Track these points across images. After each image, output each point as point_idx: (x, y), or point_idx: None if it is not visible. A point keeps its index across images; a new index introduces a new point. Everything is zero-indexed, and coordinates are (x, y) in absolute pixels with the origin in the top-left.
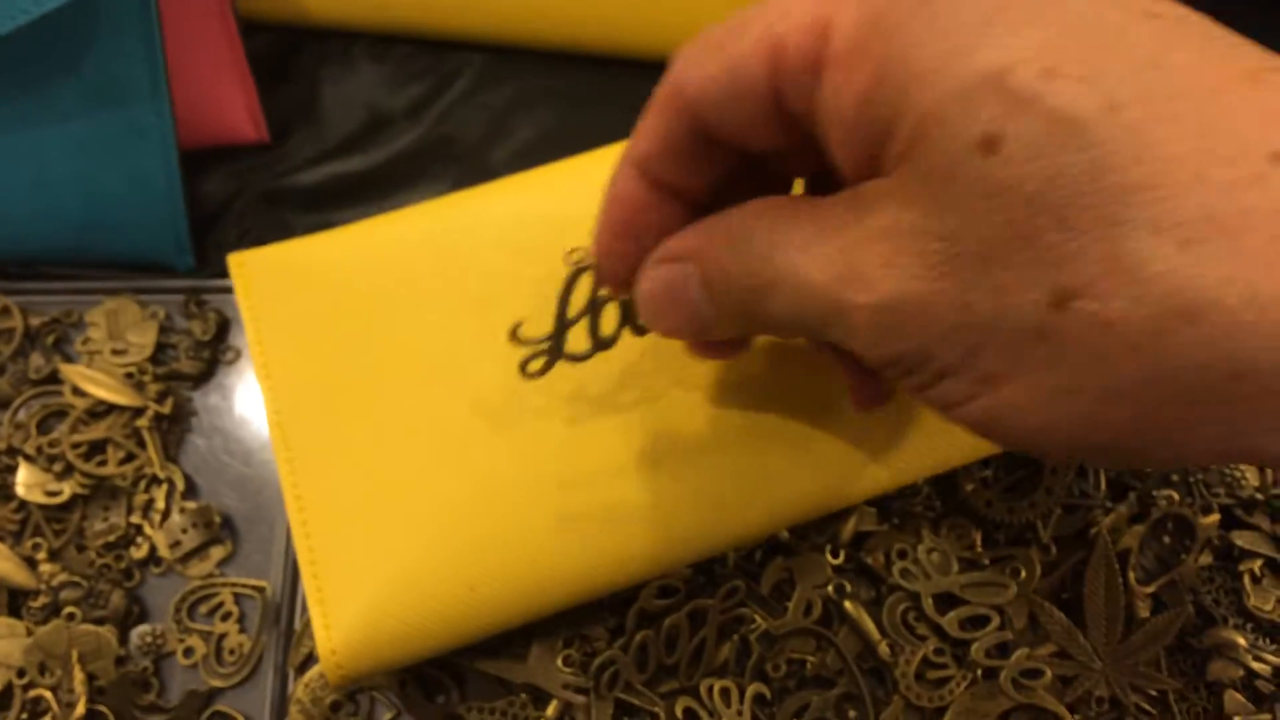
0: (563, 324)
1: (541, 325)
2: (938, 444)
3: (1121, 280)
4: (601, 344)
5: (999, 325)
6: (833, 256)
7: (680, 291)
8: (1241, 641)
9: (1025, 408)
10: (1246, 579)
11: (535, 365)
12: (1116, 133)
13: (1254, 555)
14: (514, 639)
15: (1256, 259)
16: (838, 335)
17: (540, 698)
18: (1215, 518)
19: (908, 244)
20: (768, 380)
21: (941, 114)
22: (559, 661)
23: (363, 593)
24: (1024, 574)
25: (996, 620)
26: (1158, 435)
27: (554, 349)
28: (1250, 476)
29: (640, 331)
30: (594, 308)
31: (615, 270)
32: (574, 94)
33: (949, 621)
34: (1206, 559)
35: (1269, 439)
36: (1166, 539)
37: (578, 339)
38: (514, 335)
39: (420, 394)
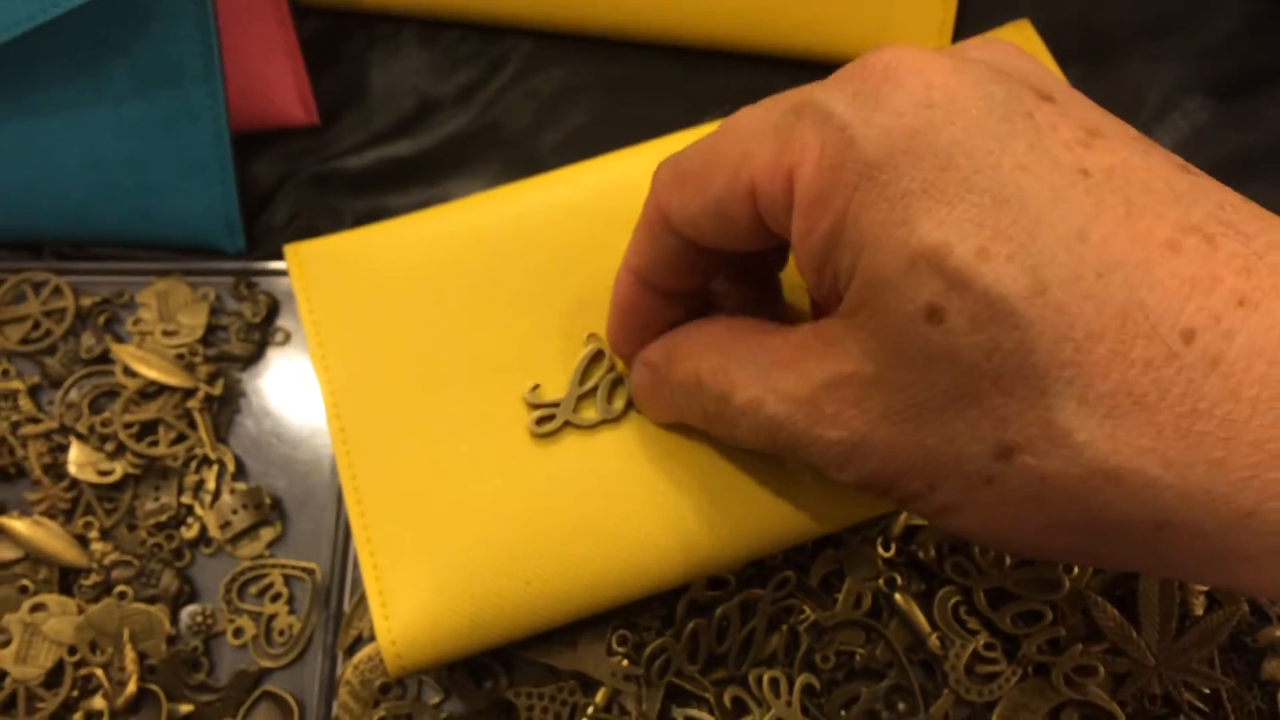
0: (575, 394)
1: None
2: None
3: (1054, 443)
4: (609, 418)
5: (953, 468)
6: (800, 392)
7: (656, 393)
8: None
9: (982, 532)
10: None
11: (546, 428)
12: (1044, 313)
13: None
14: (564, 627)
15: (1171, 431)
16: (807, 458)
17: (589, 685)
18: None
19: (873, 391)
20: None
21: (889, 281)
22: (608, 649)
23: (421, 586)
24: (1077, 570)
25: (1049, 616)
26: (1101, 557)
27: (563, 415)
28: None
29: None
30: (607, 383)
31: (625, 357)
32: (623, 82)
33: (1001, 616)
34: None
35: (1201, 571)
36: None
37: (588, 408)
38: (529, 397)
39: (477, 388)
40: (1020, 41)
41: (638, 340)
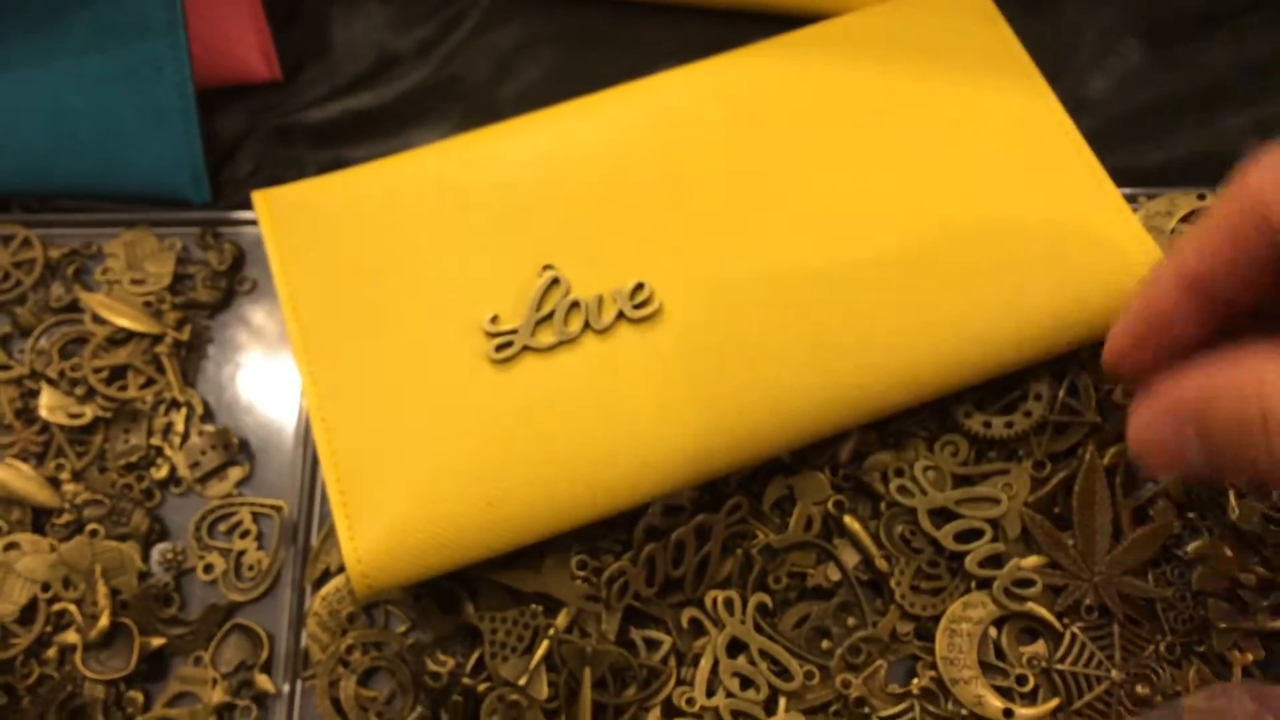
0: (532, 319)
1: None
2: (940, 370)
3: None
4: (565, 340)
5: None
6: None
7: (1174, 448)
8: (1228, 553)
9: None
10: (1231, 494)
11: (505, 353)
12: None
13: None
14: (528, 552)
15: None
16: None
17: (551, 607)
18: None
19: None
20: (785, 297)
21: None
22: (571, 572)
23: (386, 508)
24: (1015, 489)
25: (989, 534)
26: None
27: (521, 340)
28: None
29: (601, 333)
30: (563, 308)
31: (1126, 372)
32: (580, 35)
33: (944, 535)
34: None
35: None
36: None
37: (545, 332)
38: (488, 326)
39: (438, 322)
40: None
41: (1150, 355)
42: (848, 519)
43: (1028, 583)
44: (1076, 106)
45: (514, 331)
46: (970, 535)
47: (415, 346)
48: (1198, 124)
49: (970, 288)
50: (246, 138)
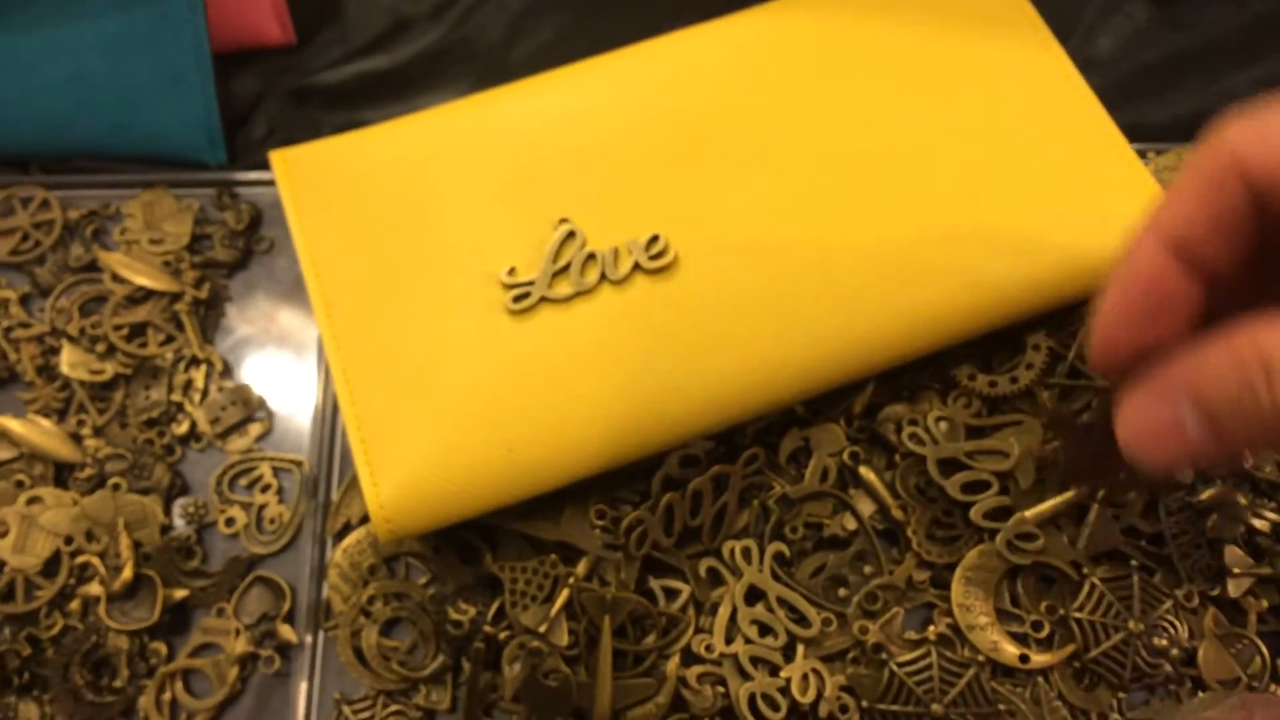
0: (549, 270)
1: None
2: (954, 318)
3: None
4: (582, 291)
5: None
6: None
7: (1170, 430)
8: (1241, 500)
9: None
10: None
11: (522, 304)
12: None
13: None
14: (546, 502)
15: None
16: None
17: (570, 557)
18: None
19: None
20: (799, 248)
21: None
22: (590, 522)
23: (408, 455)
24: (1026, 441)
25: (996, 486)
26: None
27: (539, 291)
28: None
29: (617, 284)
30: (580, 259)
31: (1113, 359)
32: None
33: (951, 485)
34: None
35: None
36: None
37: (562, 283)
38: (505, 278)
39: (457, 275)
40: None
41: (1138, 331)
42: (863, 469)
43: (1030, 536)
44: (1084, 65)
45: (531, 283)
46: (980, 487)
47: (434, 299)
48: (1202, 82)
49: (984, 236)
50: (261, 101)
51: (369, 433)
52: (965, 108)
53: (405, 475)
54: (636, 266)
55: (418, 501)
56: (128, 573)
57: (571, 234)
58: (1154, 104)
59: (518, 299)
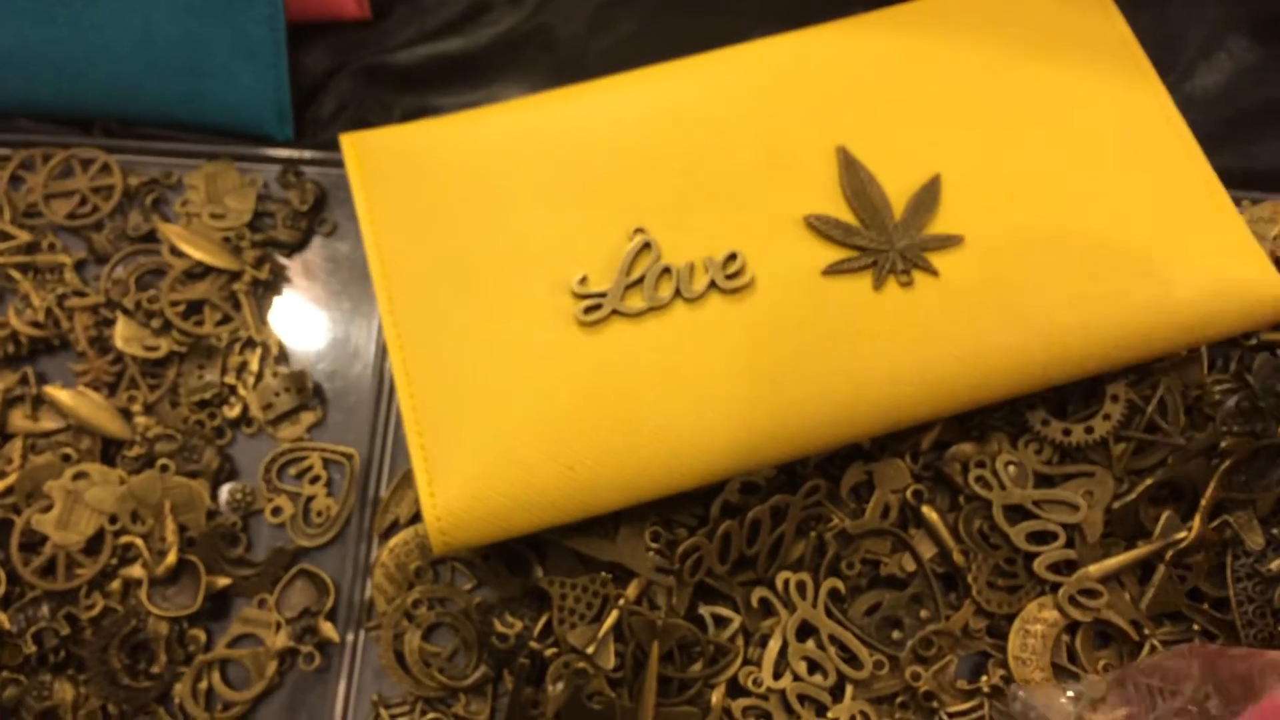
0: (622, 283)
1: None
2: (1036, 364)
3: None
4: (655, 306)
5: None
6: None
7: None
8: None
9: None
10: None
11: (593, 316)
12: None
13: None
14: (602, 520)
15: None
16: None
17: (620, 577)
18: None
19: None
20: (860, 300)
21: None
22: (645, 544)
23: (467, 466)
24: (1097, 495)
25: (1063, 538)
26: None
27: (611, 303)
28: None
29: (691, 301)
30: (654, 273)
31: None
32: None
33: (1016, 533)
34: None
35: None
36: (1244, 476)
37: (635, 297)
38: (577, 287)
39: (526, 279)
40: None
41: None
42: (926, 509)
43: (1094, 593)
44: (1183, 102)
45: (603, 294)
46: (1046, 537)
47: (501, 303)
48: None
49: (1072, 282)
50: (333, 76)
51: (429, 439)
52: (1058, 143)
53: (464, 486)
54: (712, 285)
55: (475, 514)
56: (172, 557)
57: (647, 245)
58: (1255, 148)
59: (589, 310)
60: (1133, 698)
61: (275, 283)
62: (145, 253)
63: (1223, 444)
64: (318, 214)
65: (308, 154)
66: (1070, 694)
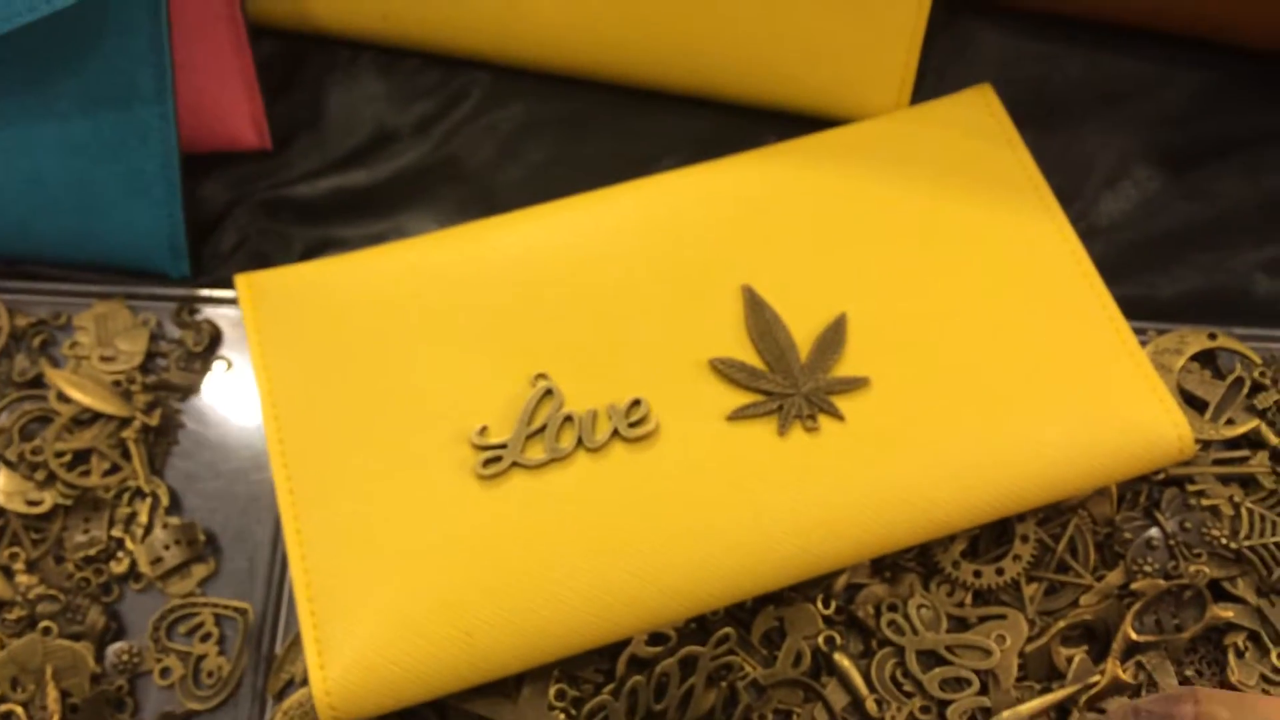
0: (523, 433)
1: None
2: (940, 509)
3: None
4: (556, 458)
5: None
6: None
7: None
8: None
9: None
10: (1230, 653)
11: (492, 469)
12: None
13: (1238, 629)
14: (505, 678)
15: None
16: None
17: None
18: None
19: None
20: (765, 447)
21: None
22: (550, 703)
23: (360, 635)
24: (1010, 640)
25: (976, 685)
26: None
27: (511, 456)
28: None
29: (594, 451)
30: (556, 422)
31: None
32: (583, 120)
33: (930, 680)
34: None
35: None
36: (1155, 616)
37: (534, 449)
38: (475, 439)
39: (425, 430)
40: (981, 105)
41: None
42: (838, 656)
43: None
44: (1087, 231)
45: (503, 446)
46: (960, 683)
47: (399, 455)
48: (1213, 259)
49: (979, 425)
50: (232, 210)
51: (320, 604)
52: (963, 279)
53: (356, 657)
54: (615, 434)
55: (367, 687)
56: None
57: (549, 392)
58: (1159, 278)
59: (487, 463)
60: None
61: (167, 428)
62: (32, 398)
63: (1133, 585)
64: (212, 354)
65: (204, 292)
66: None
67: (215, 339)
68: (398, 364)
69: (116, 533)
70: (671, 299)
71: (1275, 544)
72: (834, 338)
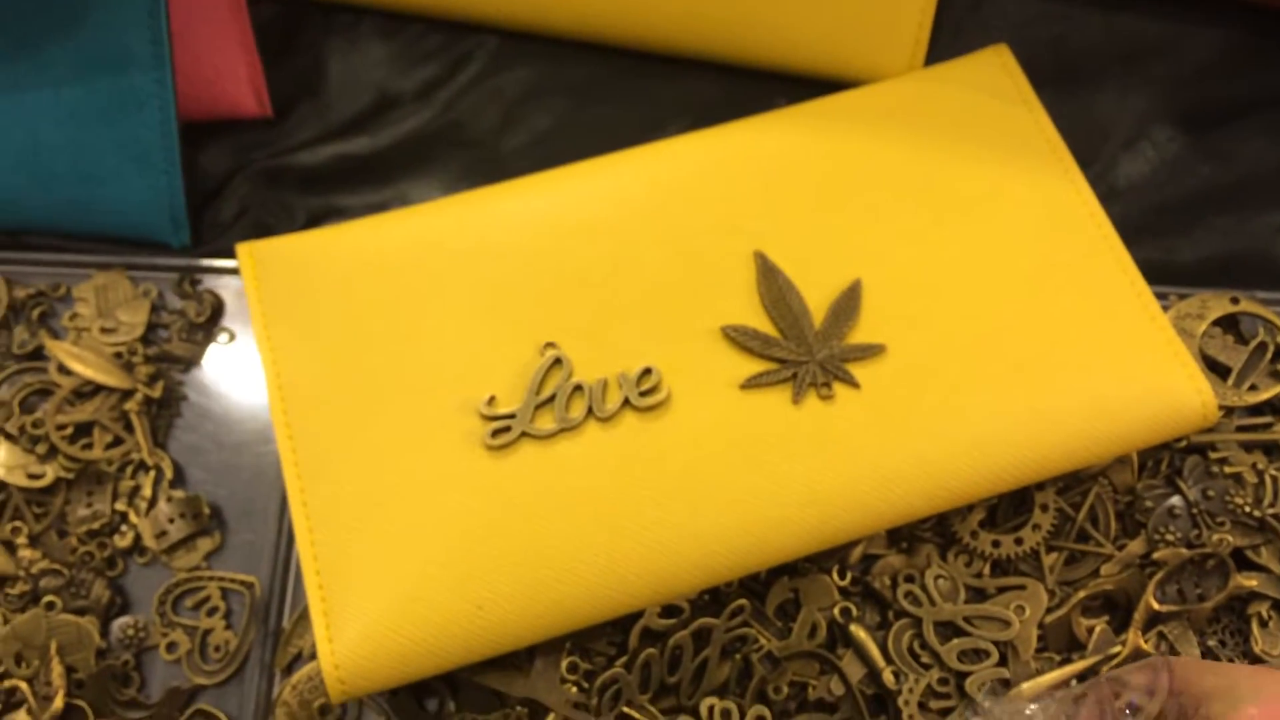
0: (531, 403)
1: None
2: (957, 477)
3: None
4: (566, 428)
5: None
6: None
7: None
8: None
9: None
10: (1254, 622)
11: (501, 440)
12: None
13: (1262, 598)
14: (517, 651)
15: None
16: None
17: (536, 712)
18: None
19: None
20: (779, 416)
21: None
22: (562, 675)
23: (368, 608)
24: (1029, 611)
25: (995, 656)
26: None
27: (520, 426)
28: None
29: (604, 421)
30: (565, 391)
31: None
32: (589, 85)
33: (948, 652)
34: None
35: None
36: (1178, 586)
37: (544, 419)
38: (484, 409)
39: (431, 400)
40: (997, 65)
41: None
42: (854, 628)
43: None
44: (1106, 194)
45: (512, 416)
46: (978, 655)
47: (406, 427)
48: (1233, 222)
49: (997, 392)
50: (232, 178)
51: (328, 578)
52: (981, 242)
53: (365, 631)
54: (626, 403)
55: (376, 661)
56: (58, 702)
57: (558, 361)
58: (1180, 241)
59: (496, 433)
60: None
61: (170, 400)
62: (32, 371)
63: (1155, 554)
64: (214, 325)
65: (205, 262)
66: (1034, 707)
67: (217, 310)
68: (403, 334)
69: (120, 506)
70: (682, 266)
71: None
72: (848, 304)
